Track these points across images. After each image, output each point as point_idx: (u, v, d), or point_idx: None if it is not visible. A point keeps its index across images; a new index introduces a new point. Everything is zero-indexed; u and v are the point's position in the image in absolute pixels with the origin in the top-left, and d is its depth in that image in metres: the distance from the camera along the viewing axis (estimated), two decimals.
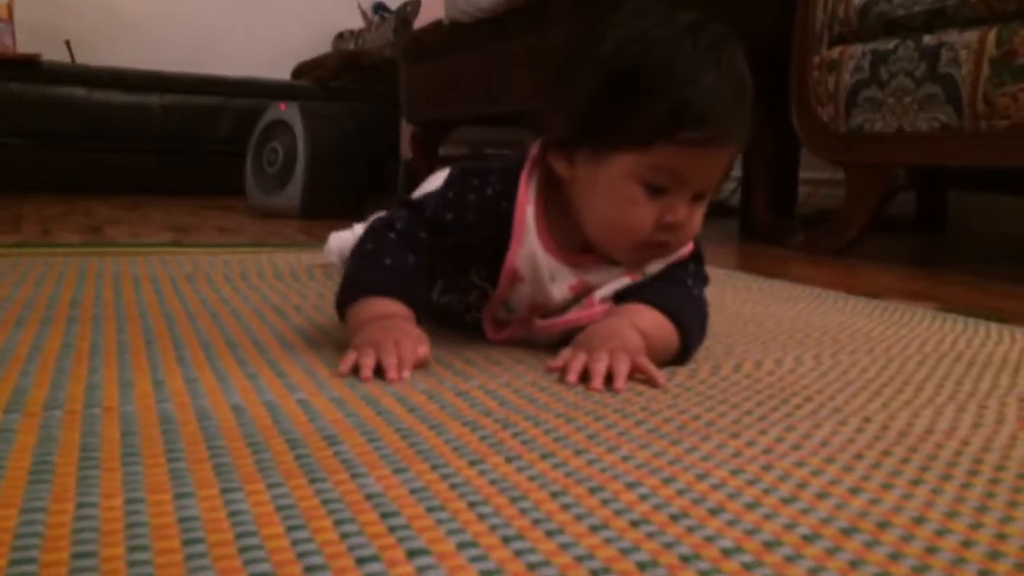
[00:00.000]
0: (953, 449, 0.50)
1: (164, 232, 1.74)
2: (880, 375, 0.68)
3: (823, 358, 0.73)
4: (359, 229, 1.06)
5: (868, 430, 0.53)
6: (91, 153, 2.93)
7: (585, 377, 0.63)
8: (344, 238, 1.20)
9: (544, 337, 0.74)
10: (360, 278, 0.72)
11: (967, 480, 0.45)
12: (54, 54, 3.04)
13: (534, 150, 0.73)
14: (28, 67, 2.84)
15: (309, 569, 0.33)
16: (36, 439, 0.46)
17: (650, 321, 0.70)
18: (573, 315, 0.73)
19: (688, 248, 0.74)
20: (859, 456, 0.48)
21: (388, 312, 0.69)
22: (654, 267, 0.74)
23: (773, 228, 1.99)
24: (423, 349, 0.65)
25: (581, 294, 0.73)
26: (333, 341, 0.73)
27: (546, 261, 0.71)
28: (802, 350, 0.76)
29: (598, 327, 0.70)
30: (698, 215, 0.69)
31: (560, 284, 0.72)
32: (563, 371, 0.64)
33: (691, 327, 0.72)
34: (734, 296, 1.06)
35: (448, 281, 0.77)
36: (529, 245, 0.70)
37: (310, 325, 0.80)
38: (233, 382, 0.59)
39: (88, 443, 0.46)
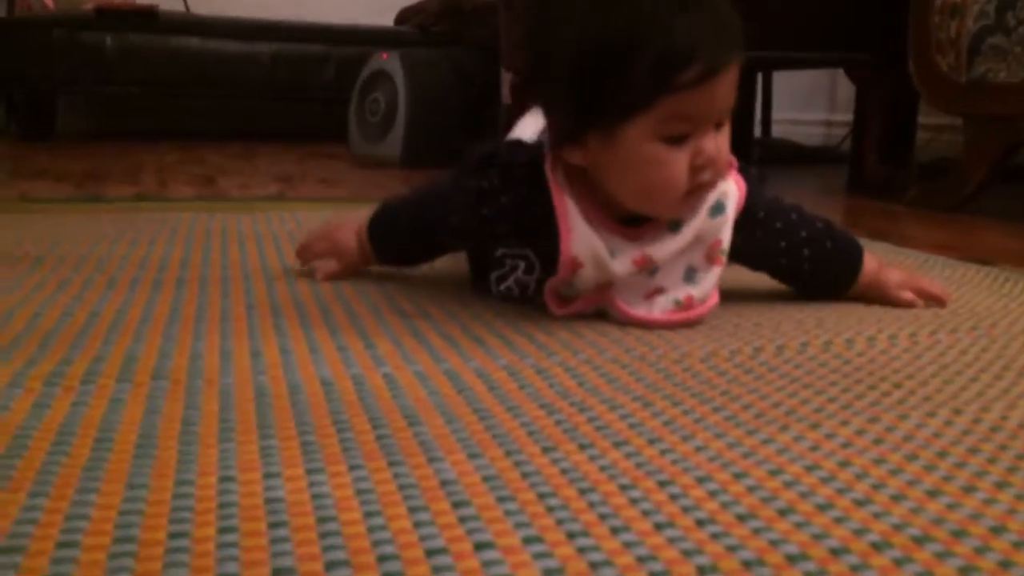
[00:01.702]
0: None
1: (271, 183, 1.80)
2: (980, 358, 0.66)
3: (920, 336, 0.71)
4: None
5: (957, 423, 0.52)
6: (204, 101, 3.05)
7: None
8: None
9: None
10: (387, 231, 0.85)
11: None
12: (170, 5, 3.14)
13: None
14: (146, 18, 2.94)
15: (382, 558, 0.35)
16: (143, 411, 0.50)
17: (873, 258, 0.84)
18: (678, 315, 0.73)
19: (742, 194, 0.74)
20: (943, 453, 0.47)
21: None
22: (725, 233, 0.74)
23: (884, 180, 1.91)
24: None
25: (645, 268, 0.72)
26: (421, 310, 0.75)
27: (603, 240, 0.70)
28: (899, 326, 0.74)
29: (884, 273, 0.82)
30: (724, 141, 0.69)
31: (622, 260, 0.71)
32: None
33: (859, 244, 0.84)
34: None
35: (501, 268, 0.78)
36: (580, 231, 0.70)
37: (400, 291, 0.82)
38: (324, 354, 0.61)
39: (189, 416, 0.49)
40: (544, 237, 0.72)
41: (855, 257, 0.83)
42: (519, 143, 0.77)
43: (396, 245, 0.86)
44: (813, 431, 0.50)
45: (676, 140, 0.66)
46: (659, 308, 0.73)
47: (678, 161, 0.66)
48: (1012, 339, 0.71)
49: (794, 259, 0.80)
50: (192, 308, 0.74)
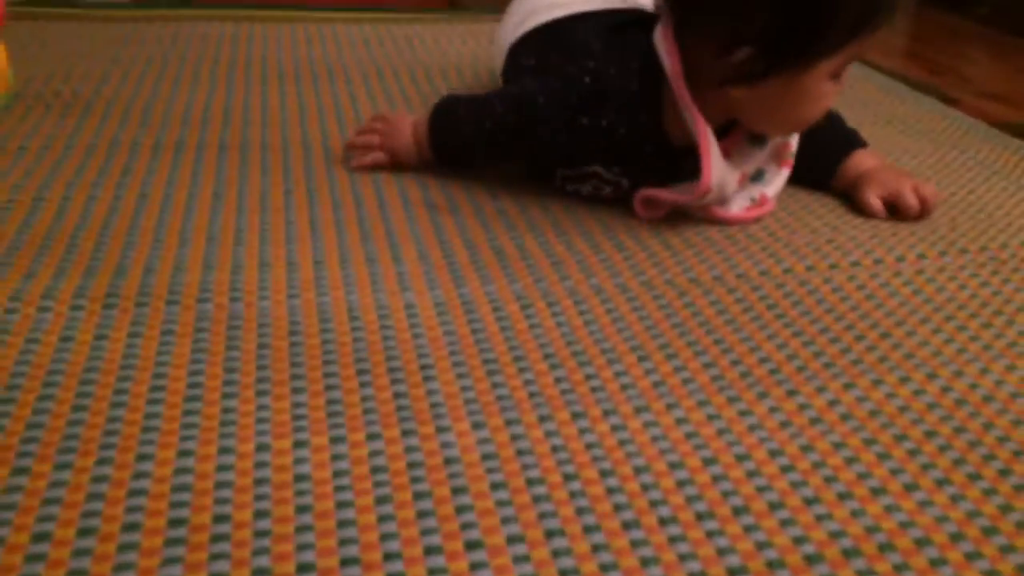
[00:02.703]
0: (1003, 429, 0.53)
1: None
2: (980, 291, 0.68)
3: (929, 257, 0.73)
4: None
5: (928, 392, 0.56)
6: None
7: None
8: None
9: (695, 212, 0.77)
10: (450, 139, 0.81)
11: (994, 483, 0.49)
12: None
13: (663, 40, 0.71)
14: None
15: (387, 557, 0.42)
16: (189, 352, 0.56)
17: (877, 156, 0.85)
18: (753, 211, 0.78)
19: None
20: (901, 437, 0.52)
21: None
22: (793, 136, 0.79)
23: None
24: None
25: (743, 185, 0.77)
26: (452, 204, 0.78)
27: (725, 169, 0.73)
28: (910, 244, 0.76)
29: (873, 172, 0.81)
30: None
31: (732, 180, 0.75)
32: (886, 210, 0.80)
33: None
34: (876, 130, 1.01)
35: (571, 173, 0.78)
36: (718, 164, 0.71)
37: (435, 179, 0.84)
38: (353, 270, 0.66)
39: (231, 363, 0.55)
40: (646, 162, 0.74)
41: (852, 140, 0.85)
42: (618, 58, 0.73)
43: (459, 140, 0.81)
44: (790, 399, 0.55)
45: (840, 73, 0.69)
46: (737, 205, 0.78)
47: (835, 92, 0.71)
48: (1021, 263, 0.73)
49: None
50: (233, 193, 0.78)
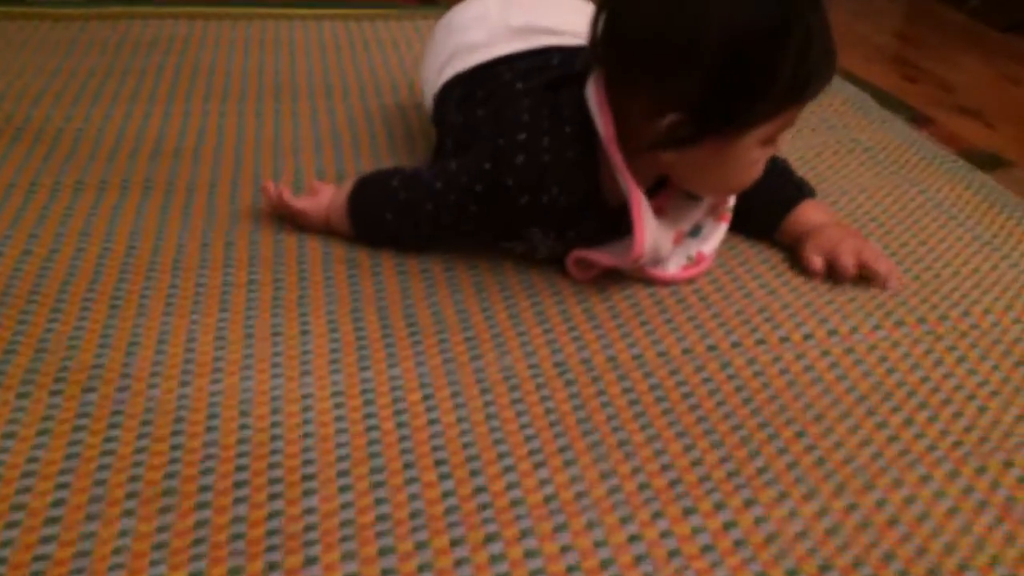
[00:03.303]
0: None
1: None
2: (908, 377, 0.65)
3: (863, 329, 0.70)
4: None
5: (832, 511, 0.54)
6: None
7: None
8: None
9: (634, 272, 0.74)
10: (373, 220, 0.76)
11: None
12: None
13: (595, 101, 0.67)
14: None
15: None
16: (61, 458, 0.54)
17: (826, 210, 0.82)
18: (690, 270, 0.75)
19: None
20: (794, 573, 0.50)
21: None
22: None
23: None
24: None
25: (679, 244, 0.75)
26: (376, 262, 0.75)
27: (659, 231, 0.70)
28: (849, 311, 0.72)
29: (816, 229, 0.77)
30: None
31: (666, 241, 0.72)
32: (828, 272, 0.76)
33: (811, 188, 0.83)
34: (836, 159, 0.97)
35: (503, 238, 0.75)
36: (651, 228, 0.68)
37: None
38: (255, 346, 0.64)
39: (100, 473, 0.53)
40: (583, 225, 0.71)
41: (799, 191, 0.81)
42: (543, 122, 0.69)
43: (386, 223, 0.75)
44: (684, 521, 0.52)
45: (773, 139, 0.67)
46: (673, 264, 0.75)
47: (765, 158, 0.68)
48: (957, 340, 0.70)
49: None
50: (148, 246, 0.75)
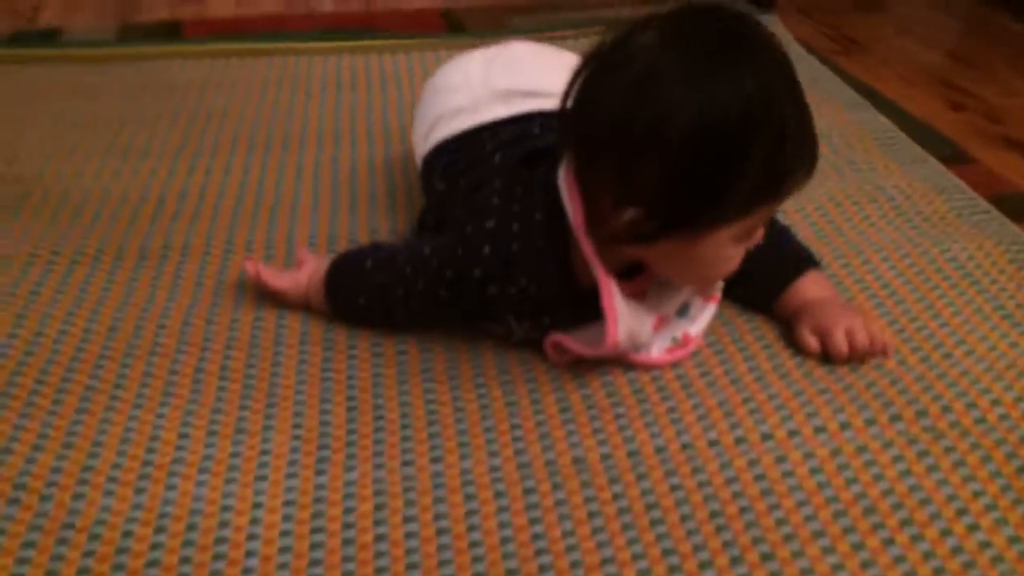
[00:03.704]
0: None
1: None
2: (896, 484, 0.61)
3: (855, 424, 0.66)
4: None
5: None
6: None
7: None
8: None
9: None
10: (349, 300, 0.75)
11: None
12: None
13: (566, 186, 0.64)
14: None
15: None
16: None
17: (826, 285, 0.76)
18: (675, 352, 0.72)
19: None
20: None
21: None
22: None
23: None
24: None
25: (661, 326, 0.71)
26: (352, 343, 0.74)
27: (634, 316, 0.67)
28: (842, 403, 0.68)
29: (813, 305, 0.73)
30: None
31: (645, 328, 0.69)
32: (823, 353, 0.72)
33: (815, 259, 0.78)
34: (855, 211, 0.91)
35: (478, 322, 0.73)
36: (624, 319, 0.65)
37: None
38: (216, 445, 0.63)
39: None
40: (557, 311, 0.69)
41: (799, 263, 0.77)
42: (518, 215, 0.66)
43: (360, 304, 0.74)
44: None
45: (748, 234, 0.63)
46: (657, 347, 0.71)
47: (740, 253, 0.64)
48: (958, 438, 0.65)
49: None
50: (130, 327, 0.75)
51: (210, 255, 0.85)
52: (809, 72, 1.25)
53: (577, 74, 0.61)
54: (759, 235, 0.64)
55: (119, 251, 0.85)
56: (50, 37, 1.39)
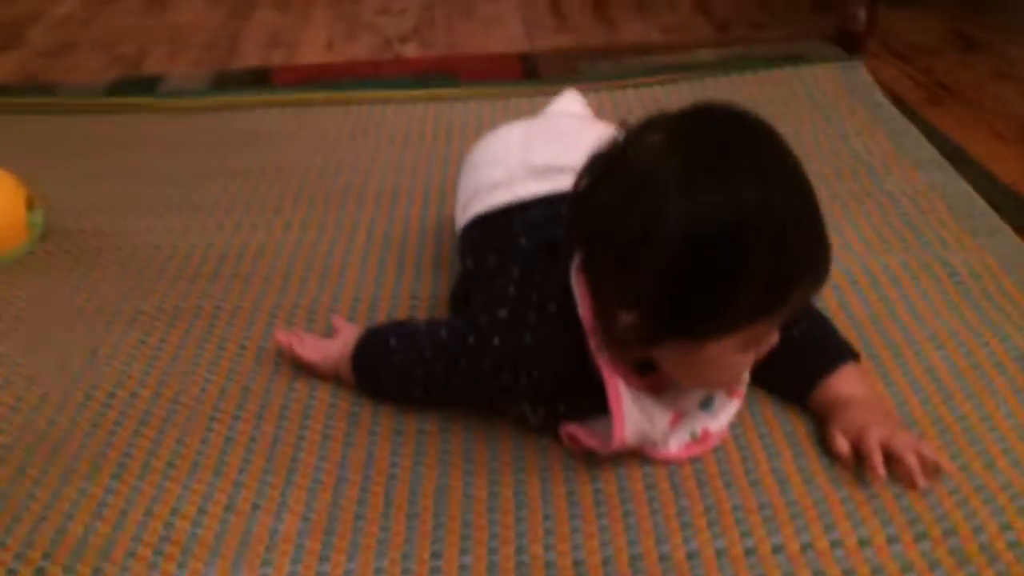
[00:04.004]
0: None
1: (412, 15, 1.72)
2: None
3: (876, 542, 0.62)
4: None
5: None
6: None
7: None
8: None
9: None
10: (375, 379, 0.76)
11: None
12: None
13: (576, 282, 0.64)
14: None
15: None
16: None
17: (861, 382, 0.72)
18: (693, 448, 0.70)
19: None
20: None
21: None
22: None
23: None
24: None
25: (677, 423, 0.69)
26: (375, 420, 0.75)
27: (642, 408, 0.65)
28: (864, 515, 0.64)
29: (848, 403, 0.69)
30: None
31: (659, 424, 0.68)
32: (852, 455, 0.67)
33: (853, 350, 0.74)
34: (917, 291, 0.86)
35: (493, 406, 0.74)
36: (632, 417, 0.65)
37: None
38: (230, 523, 0.66)
39: None
40: (572, 399, 0.68)
41: (836, 355, 0.73)
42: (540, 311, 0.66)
43: (383, 383, 0.76)
44: None
45: (755, 342, 0.61)
46: (675, 441, 0.70)
47: (748, 359, 0.63)
48: (984, 566, 0.60)
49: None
50: (191, 391, 0.79)
51: (256, 318, 0.88)
52: (889, 125, 1.20)
53: (585, 169, 0.61)
54: (772, 340, 0.62)
55: (175, 311, 0.90)
56: (150, 85, 1.48)
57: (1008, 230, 0.96)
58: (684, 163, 0.55)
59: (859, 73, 1.34)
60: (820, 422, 0.72)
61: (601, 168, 0.60)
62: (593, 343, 0.63)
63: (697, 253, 0.54)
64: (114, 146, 1.26)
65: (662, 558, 0.62)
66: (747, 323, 0.57)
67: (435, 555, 0.63)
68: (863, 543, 0.63)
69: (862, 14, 1.46)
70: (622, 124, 0.60)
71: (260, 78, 1.50)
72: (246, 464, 0.72)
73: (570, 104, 1.01)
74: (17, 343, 0.87)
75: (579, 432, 0.69)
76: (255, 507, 0.68)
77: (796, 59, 1.42)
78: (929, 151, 1.12)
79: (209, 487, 0.69)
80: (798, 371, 0.73)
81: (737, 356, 0.60)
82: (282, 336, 0.80)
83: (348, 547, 0.64)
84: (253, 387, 0.80)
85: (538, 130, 0.87)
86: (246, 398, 0.78)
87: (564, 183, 0.78)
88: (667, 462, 0.69)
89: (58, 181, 1.15)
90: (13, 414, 0.78)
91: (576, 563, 0.62)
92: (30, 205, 1.02)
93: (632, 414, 0.64)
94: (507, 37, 1.68)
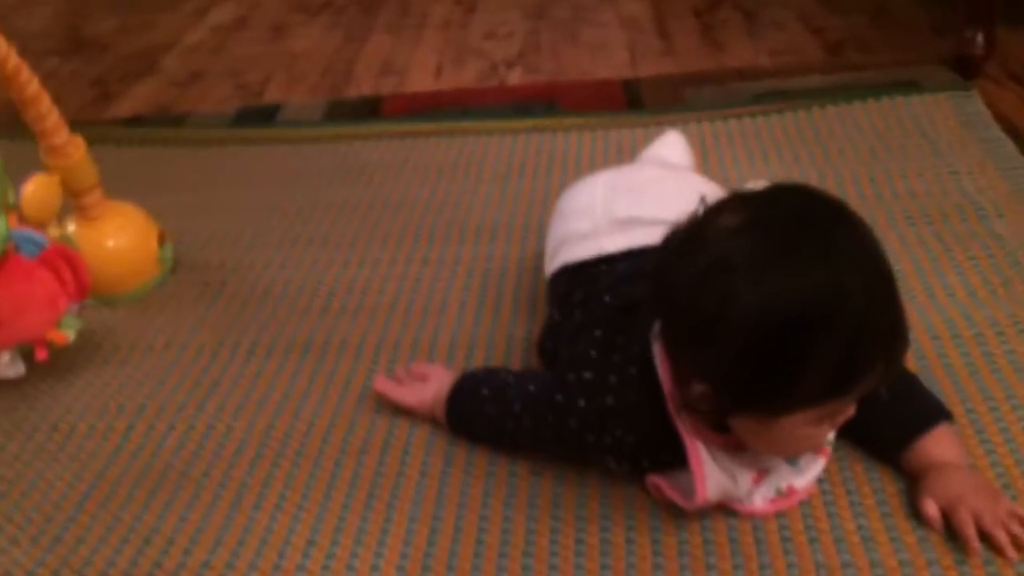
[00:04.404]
0: None
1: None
2: None
3: None
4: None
5: None
6: None
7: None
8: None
9: None
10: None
11: None
12: None
13: (657, 347, 0.66)
14: None
15: None
16: None
17: (954, 444, 0.71)
18: (778, 503, 0.71)
19: None
20: None
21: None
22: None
23: None
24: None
25: (762, 480, 0.71)
26: (469, 460, 0.79)
27: (723, 466, 0.68)
28: None
29: (939, 470, 0.69)
30: None
31: (743, 482, 0.70)
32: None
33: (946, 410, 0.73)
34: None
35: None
36: (713, 476, 0.67)
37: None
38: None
39: None
40: (655, 455, 0.71)
41: (926, 416, 0.72)
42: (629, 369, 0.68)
43: (475, 431, 0.80)
44: None
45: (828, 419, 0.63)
46: (760, 496, 0.71)
47: (825, 431, 0.65)
48: None
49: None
50: (299, 425, 0.86)
51: (363, 354, 0.94)
52: (1003, 163, 1.15)
53: (664, 243, 0.63)
54: (849, 412, 0.62)
55: (288, 345, 0.97)
56: (270, 114, 1.57)
57: None
58: (756, 247, 0.57)
59: (974, 104, 1.29)
60: (911, 483, 0.72)
61: (678, 245, 0.62)
62: (672, 408, 0.65)
63: (765, 337, 0.56)
64: (235, 177, 1.35)
65: None
66: (817, 403, 0.58)
67: None
68: None
69: (980, 38, 1.41)
70: (702, 200, 0.62)
71: (372, 107, 1.57)
72: (349, 499, 0.77)
73: (672, 147, 1.03)
74: (149, 372, 0.95)
75: (663, 484, 0.71)
76: (357, 542, 0.73)
77: (909, 86, 1.38)
78: None
79: (316, 520, 0.75)
80: (890, 431, 0.73)
81: (811, 429, 0.61)
82: (378, 383, 0.85)
83: None
84: (358, 422, 0.85)
85: (622, 180, 0.89)
86: (351, 434, 0.84)
87: (648, 236, 0.81)
88: (752, 516, 0.71)
89: (185, 213, 1.24)
90: (146, 440, 0.86)
91: None
92: (161, 241, 1.11)
93: (713, 473, 0.66)
94: (611, 62, 1.70)
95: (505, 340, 0.94)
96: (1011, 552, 0.64)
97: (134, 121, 1.62)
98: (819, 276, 0.55)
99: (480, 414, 0.78)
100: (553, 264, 0.86)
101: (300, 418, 0.86)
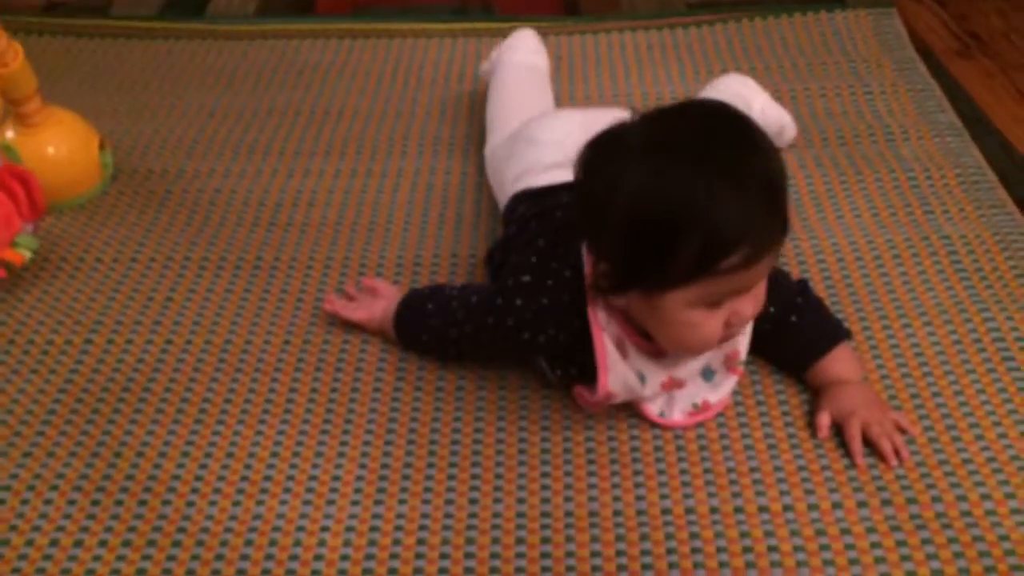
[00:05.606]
0: None
1: None
2: None
3: (847, 505, 0.73)
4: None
5: None
6: None
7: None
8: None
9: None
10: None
11: None
12: None
13: (585, 247, 0.73)
14: None
15: None
16: None
17: (850, 361, 0.81)
18: (696, 416, 0.80)
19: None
20: None
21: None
22: (743, 344, 0.79)
23: None
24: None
25: (671, 387, 0.79)
26: (419, 375, 0.86)
27: (634, 366, 0.75)
28: (838, 483, 0.75)
29: (835, 386, 0.79)
30: (761, 292, 0.71)
31: (651, 384, 0.78)
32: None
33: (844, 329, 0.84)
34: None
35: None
36: (616, 369, 0.75)
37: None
38: (298, 468, 0.78)
39: None
40: (580, 357, 0.77)
41: (828, 337, 0.82)
42: (560, 268, 0.75)
43: (422, 341, 0.86)
44: None
45: (713, 304, 0.69)
46: (678, 409, 0.80)
47: (713, 322, 0.70)
48: (936, 531, 0.71)
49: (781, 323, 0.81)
50: (258, 342, 0.90)
51: (312, 272, 0.98)
52: (914, 84, 1.23)
53: (588, 144, 0.71)
54: (743, 311, 0.70)
55: (238, 261, 1.00)
56: (200, 6, 1.53)
57: (1011, 204, 1.02)
58: (648, 144, 0.66)
59: (893, 23, 1.36)
60: (813, 397, 0.82)
61: (595, 145, 0.70)
62: (590, 299, 0.73)
63: (639, 221, 0.65)
64: (166, 76, 1.34)
65: (664, 511, 0.73)
66: (686, 281, 0.66)
67: (472, 502, 0.75)
68: (836, 506, 0.73)
69: None
70: (633, 111, 0.71)
71: (305, 2, 1.54)
72: (308, 415, 0.83)
73: (526, 40, 1.17)
74: (99, 287, 0.97)
75: (580, 388, 0.79)
76: (318, 455, 0.79)
77: (834, 0, 1.44)
78: (949, 116, 1.17)
79: (278, 434, 0.81)
80: (796, 352, 0.82)
81: (699, 317, 0.68)
82: (329, 307, 0.90)
83: (399, 492, 0.76)
84: (311, 340, 0.90)
85: (598, 123, 0.93)
86: (305, 350, 0.89)
87: None
88: (673, 428, 0.80)
89: (119, 115, 1.24)
90: (105, 355, 0.89)
91: (591, 513, 0.74)
92: (101, 146, 1.10)
93: (617, 365, 0.74)
94: None
95: (449, 259, 0.99)
96: (892, 460, 0.75)
97: (52, 7, 1.55)
98: (687, 171, 0.63)
99: (426, 326, 0.84)
100: (514, 187, 0.92)
101: (256, 334, 0.91)
